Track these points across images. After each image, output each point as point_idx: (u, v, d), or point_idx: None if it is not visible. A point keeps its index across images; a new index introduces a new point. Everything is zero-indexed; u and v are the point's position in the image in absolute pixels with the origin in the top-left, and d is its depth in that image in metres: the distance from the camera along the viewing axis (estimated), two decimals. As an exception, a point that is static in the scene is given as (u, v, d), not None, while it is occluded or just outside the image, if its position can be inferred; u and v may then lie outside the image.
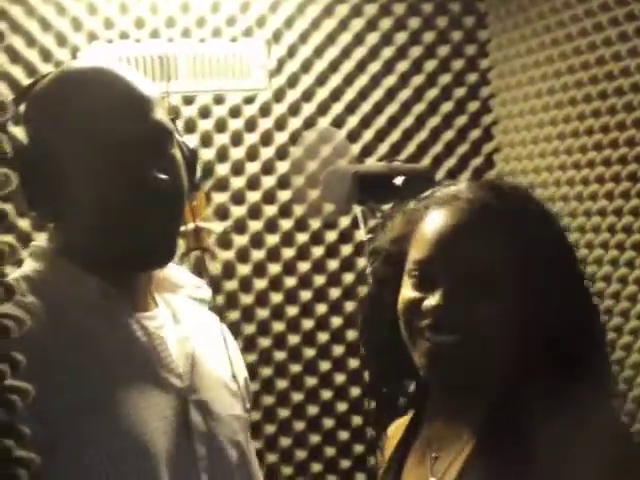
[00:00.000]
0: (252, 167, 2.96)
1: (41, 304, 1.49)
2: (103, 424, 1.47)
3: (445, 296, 1.51)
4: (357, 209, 2.28)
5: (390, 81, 3.03)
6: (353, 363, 3.00)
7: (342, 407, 3.00)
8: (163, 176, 1.53)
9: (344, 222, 3.00)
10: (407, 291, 1.58)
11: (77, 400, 1.45)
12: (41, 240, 1.71)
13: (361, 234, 2.06)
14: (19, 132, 1.63)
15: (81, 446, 1.43)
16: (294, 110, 2.99)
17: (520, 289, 1.52)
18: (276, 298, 2.97)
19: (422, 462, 1.66)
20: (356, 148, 2.98)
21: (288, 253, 2.98)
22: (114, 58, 2.80)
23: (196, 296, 1.79)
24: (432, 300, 1.52)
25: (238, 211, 2.95)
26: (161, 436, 1.55)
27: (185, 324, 1.70)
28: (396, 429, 1.79)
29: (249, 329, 2.92)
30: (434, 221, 1.57)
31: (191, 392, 1.62)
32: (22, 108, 1.56)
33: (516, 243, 1.53)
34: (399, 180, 2.14)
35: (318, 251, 3.00)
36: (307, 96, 2.99)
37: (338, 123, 2.99)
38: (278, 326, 2.97)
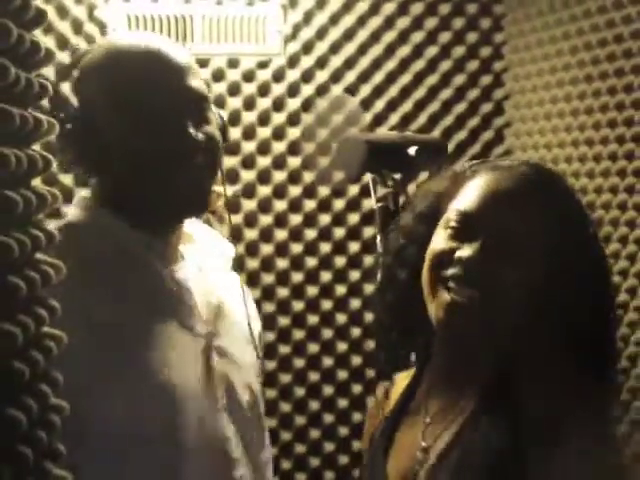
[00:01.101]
0: (263, 132, 2.96)
1: (82, 251, 1.61)
2: (135, 363, 1.63)
3: (481, 249, 1.53)
4: (369, 177, 2.29)
5: (404, 51, 3.03)
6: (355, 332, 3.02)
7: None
8: (200, 134, 1.68)
9: (352, 190, 3.00)
10: (440, 240, 1.59)
11: (109, 341, 1.60)
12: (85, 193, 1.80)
13: (372, 202, 2.05)
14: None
15: (109, 384, 1.56)
16: (307, 77, 2.99)
17: (549, 266, 1.54)
18: (282, 264, 2.98)
19: (415, 425, 1.68)
20: (368, 117, 2.98)
21: (295, 220, 2.99)
22: (131, 16, 2.80)
23: (217, 251, 1.92)
24: (466, 250, 1.53)
25: (248, 175, 2.95)
26: (188, 375, 1.69)
27: (209, 276, 1.83)
28: (400, 381, 1.81)
29: (254, 294, 2.93)
30: (485, 180, 1.59)
31: (213, 337, 1.76)
32: (74, 74, 1.72)
33: (555, 223, 1.56)
34: (412, 150, 2.14)
35: (325, 219, 3.00)
36: (321, 63, 2.99)
37: (351, 91, 2.99)
38: (282, 292, 2.98)
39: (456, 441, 1.57)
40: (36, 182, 1.06)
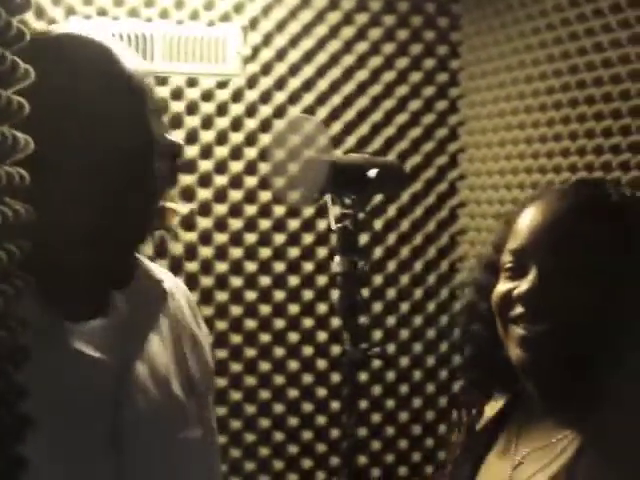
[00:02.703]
0: (220, 151, 2.98)
1: None
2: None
3: (537, 279, 1.52)
4: (327, 198, 2.31)
5: (362, 75, 3.07)
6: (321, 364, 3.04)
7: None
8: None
9: (308, 211, 3.03)
10: (500, 284, 1.60)
11: None
12: None
13: (330, 222, 2.08)
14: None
15: None
16: (266, 98, 3.02)
17: (607, 283, 1.53)
18: (236, 282, 3.00)
19: (504, 461, 1.65)
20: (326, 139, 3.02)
21: (250, 238, 3.00)
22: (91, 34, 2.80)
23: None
24: (523, 286, 1.54)
25: (204, 194, 2.97)
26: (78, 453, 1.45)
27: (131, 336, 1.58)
28: (488, 408, 1.79)
29: (207, 311, 2.94)
30: (530, 212, 1.60)
31: (126, 410, 1.52)
32: None
33: (605, 239, 1.56)
34: (372, 172, 2.17)
35: (280, 238, 3.03)
36: (279, 84, 3.02)
37: (308, 113, 3.02)
38: (236, 310, 3.00)
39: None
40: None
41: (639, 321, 1.53)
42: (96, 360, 1.50)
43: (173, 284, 1.74)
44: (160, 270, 1.72)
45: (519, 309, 1.53)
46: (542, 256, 1.53)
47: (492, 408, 1.77)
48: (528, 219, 1.59)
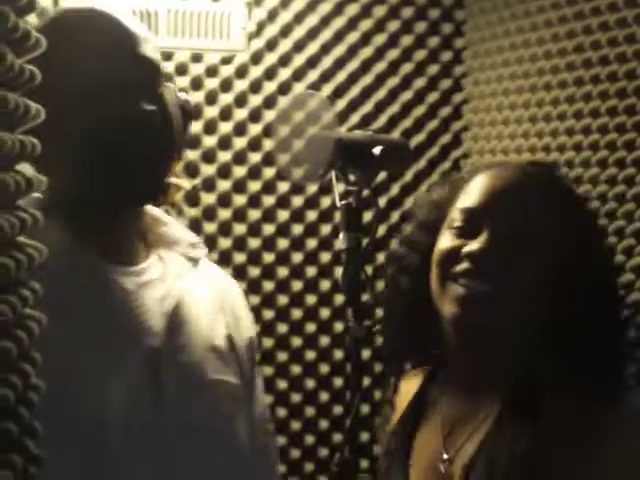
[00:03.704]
0: (225, 127, 2.98)
1: None
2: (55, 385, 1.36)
3: (488, 241, 1.55)
4: (332, 175, 2.32)
5: (366, 53, 3.07)
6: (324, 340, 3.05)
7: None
8: (147, 107, 1.51)
9: (312, 188, 3.03)
10: (446, 240, 1.62)
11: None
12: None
13: (335, 199, 2.08)
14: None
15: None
16: (270, 74, 3.02)
17: (557, 251, 1.57)
18: (239, 258, 3.00)
19: (434, 435, 1.69)
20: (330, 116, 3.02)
21: (254, 215, 3.01)
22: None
23: (189, 254, 1.75)
24: (474, 244, 1.57)
25: (208, 170, 2.97)
26: (122, 401, 1.49)
27: (172, 281, 1.65)
28: (408, 385, 1.81)
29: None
30: (484, 178, 1.64)
31: (167, 352, 1.58)
32: None
33: (557, 208, 1.59)
34: (377, 149, 2.17)
35: (284, 215, 3.03)
36: (284, 61, 3.02)
37: (313, 90, 3.02)
38: (240, 285, 2.99)
39: (481, 452, 1.58)
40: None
41: (579, 301, 1.57)
42: (141, 304, 1.58)
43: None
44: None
45: (465, 265, 1.56)
46: (496, 219, 1.58)
47: (411, 383, 1.79)
48: (483, 182, 1.63)
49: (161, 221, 1.76)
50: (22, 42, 1.02)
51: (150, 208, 1.73)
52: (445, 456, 1.64)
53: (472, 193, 1.65)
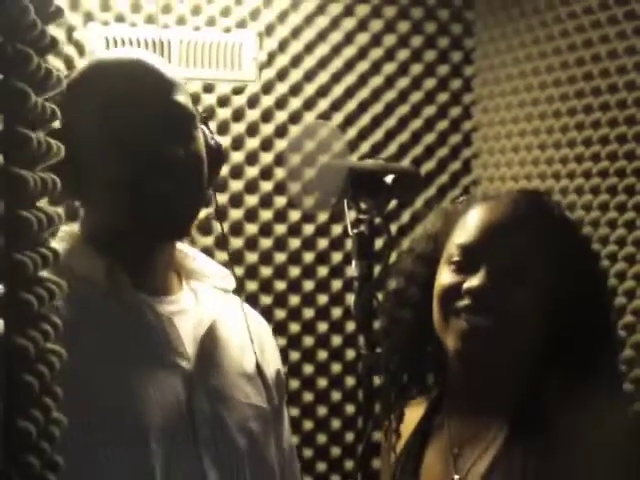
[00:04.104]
0: (237, 156, 3.00)
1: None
2: (96, 404, 1.49)
3: (487, 277, 1.59)
4: (344, 204, 2.33)
5: (376, 81, 3.09)
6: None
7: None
8: (181, 150, 1.58)
9: (322, 216, 3.05)
10: (446, 276, 1.65)
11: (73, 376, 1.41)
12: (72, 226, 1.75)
13: (347, 228, 2.10)
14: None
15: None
16: (281, 103, 3.04)
17: (554, 283, 1.60)
18: (251, 286, 3.01)
19: (442, 457, 1.71)
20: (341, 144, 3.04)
21: (266, 243, 3.02)
22: (109, 39, 2.84)
23: (220, 286, 1.81)
24: (474, 281, 1.60)
25: (221, 199, 2.98)
26: (160, 419, 1.55)
27: (204, 310, 1.72)
28: (411, 412, 1.84)
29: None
30: (481, 211, 1.67)
31: (199, 376, 1.63)
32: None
33: (552, 244, 1.63)
34: (389, 178, 2.19)
35: (295, 243, 3.05)
36: (295, 90, 3.05)
37: (323, 119, 3.04)
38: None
39: (493, 470, 1.60)
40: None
41: (576, 324, 1.61)
42: (176, 330, 1.65)
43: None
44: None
45: (466, 301, 1.60)
46: (493, 255, 1.61)
47: (414, 411, 1.82)
48: (479, 217, 1.67)
49: (191, 256, 1.82)
50: (44, 81, 1.04)
51: (179, 244, 1.79)
52: (456, 477, 1.66)
53: (468, 228, 1.69)
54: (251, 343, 1.76)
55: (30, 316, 0.99)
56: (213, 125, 2.97)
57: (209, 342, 1.69)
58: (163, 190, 1.57)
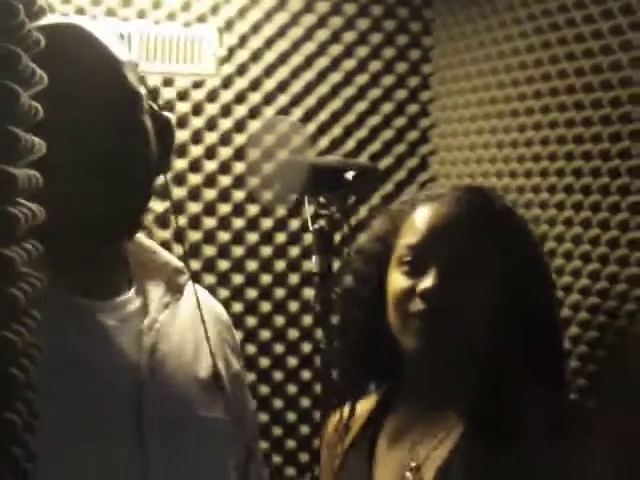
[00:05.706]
0: (195, 150, 3.02)
1: None
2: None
3: (437, 277, 1.63)
4: (305, 199, 2.36)
5: (335, 78, 3.12)
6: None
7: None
8: (119, 142, 1.44)
9: (280, 211, 3.07)
10: (399, 280, 1.69)
11: None
12: None
13: (308, 223, 2.12)
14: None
15: None
16: (240, 98, 3.06)
17: (502, 280, 1.65)
18: (209, 279, 3.03)
19: (398, 446, 1.74)
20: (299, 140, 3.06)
21: (224, 237, 3.04)
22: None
23: (172, 282, 1.70)
24: (426, 282, 1.64)
25: (179, 192, 3.00)
26: (102, 435, 1.45)
27: (154, 315, 1.61)
28: (362, 405, 1.87)
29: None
30: (426, 211, 1.71)
31: (150, 388, 1.53)
32: None
33: (495, 237, 1.67)
34: (350, 174, 2.22)
35: (253, 237, 3.06)
36: (254, 86, 3.06)
37: (283, 114, 3.06)
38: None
39: (452, 459, 1.64)
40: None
41: (526, 318, 1.67)
42: (121, 339, 1.53)
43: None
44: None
45: (419, 305, 1.64)
46: (441, 255, 1.66)
47: (365, 403, 1.86)
48: (426, 218, 1.71)
49: (144, 246, 1.73)
50: (30, 79, 1.05)
51: (138, 236, 1.71)
52: (413, 464, 1.70)
53: (415, 228, 1.73)
54: (207, 342, 1.65)
55: (16, 311, 1.00)
56: (172, 119, 2.96)
57: (160, 350, 1.58)
58: (97, 188, 1.45)
